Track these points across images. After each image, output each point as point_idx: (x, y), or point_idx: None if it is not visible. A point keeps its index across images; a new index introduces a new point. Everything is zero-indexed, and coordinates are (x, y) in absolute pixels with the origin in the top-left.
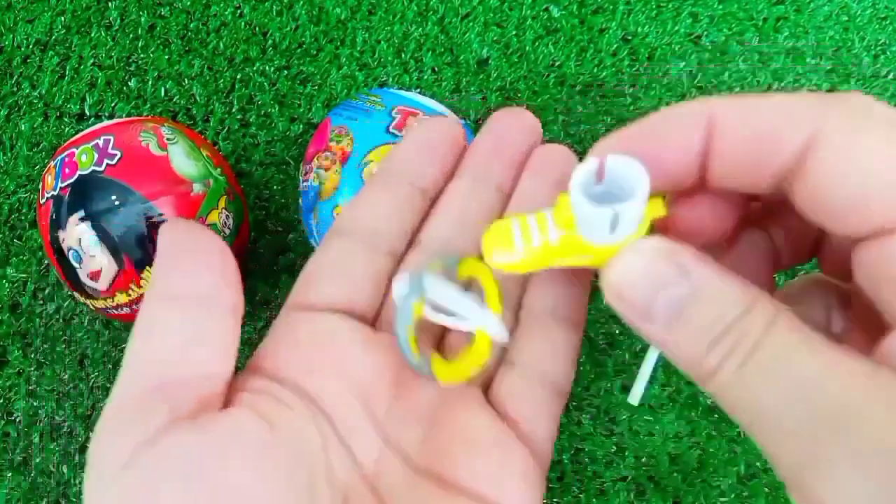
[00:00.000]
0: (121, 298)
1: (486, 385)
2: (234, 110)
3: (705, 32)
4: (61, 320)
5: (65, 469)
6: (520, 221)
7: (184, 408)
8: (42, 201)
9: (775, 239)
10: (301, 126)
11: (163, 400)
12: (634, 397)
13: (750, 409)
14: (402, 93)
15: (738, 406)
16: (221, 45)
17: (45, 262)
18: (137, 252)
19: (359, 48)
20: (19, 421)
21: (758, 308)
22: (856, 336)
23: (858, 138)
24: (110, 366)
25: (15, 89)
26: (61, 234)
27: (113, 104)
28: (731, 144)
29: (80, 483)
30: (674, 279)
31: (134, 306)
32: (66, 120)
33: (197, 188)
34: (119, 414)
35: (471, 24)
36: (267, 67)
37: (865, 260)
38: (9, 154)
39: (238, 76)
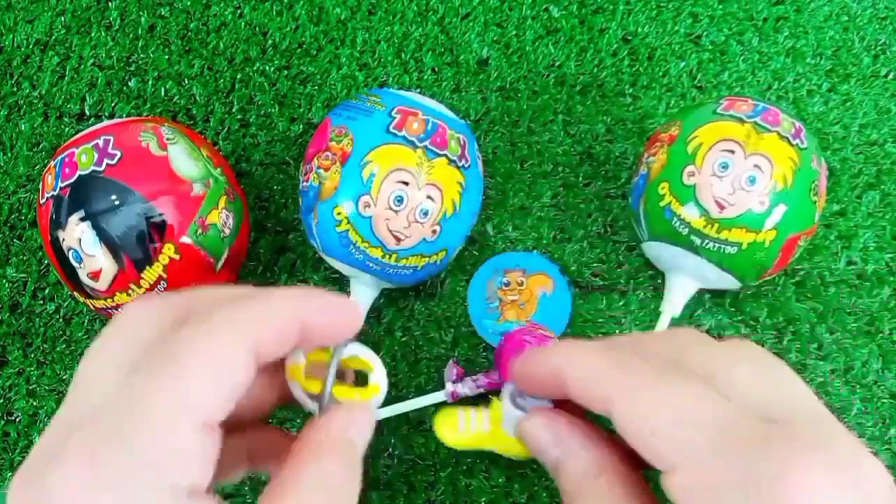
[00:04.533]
0: (121, 298)
1: None
2: (234, 110)
3: (705, 32)
4: (61, 320)
5: None
6: (465, 413)
7: None
8: (42, 201)
9: None
10: (301, 126)
11: None
12: None
13: None
14: (402, 93)
15: None
16: (221, 45)
17: (45, 262)
18: (137, 252)
19: (359, 48)
20: (19, 421)
21: (605, 474)
22: None
23: (638, 404)
24: None
25: (15, 89)
26: (61, 234)
27: (113, 104)
28: (572, 390)
29: None
30: (552, 443)
31: None
32: (66, 120)
33: (197, 188)
34: None
35: (471, 24)
36: (267, 67)
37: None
38: (9, 154)
39: (238, 76)
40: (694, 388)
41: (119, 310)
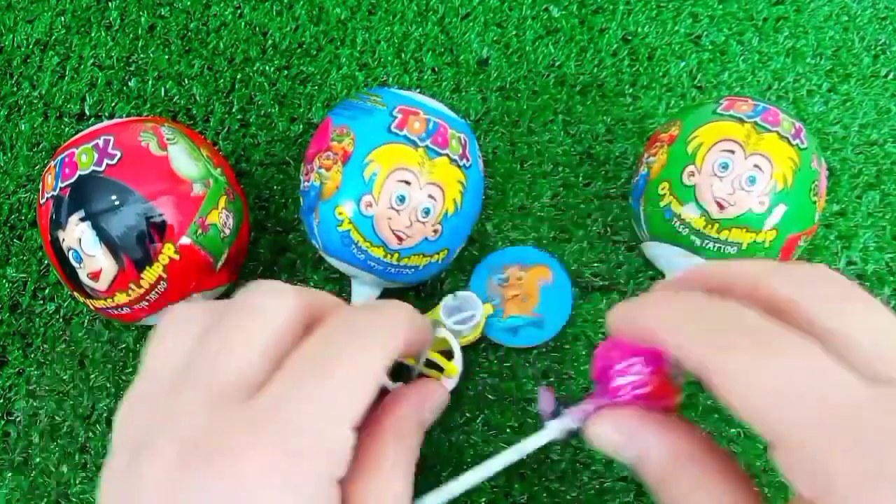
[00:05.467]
0: (121, 298)
1: None
2: (234, 110)
3: (705, 32)
4: (61, 320)
5: (65, 469)
6: None
7: None
8: (42, 201)
9: None
10: (301, 126)
11: None
12: None
13: None
14: (403, 92)
15: None
16: (221, 45)
17: (45, 262)
18: (137, 252)
19: (359, 48)
20: (19, 421)
21: (693, 459)
22: None
23: (735, 375)
24: (110, 366)
25: (15, 89)
26: (61, 234)
27: (113, 104)
28: (668, 351)
29: (79, 483)
30: (627, 443)
31: (134, 306)
32: (66, 120)
33: (197, 188)
34: None
35: (471, 24)
36: (267, 67)
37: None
38: (9, 154)
39: (238, 76)
40: (792, 349)
41: (118, 310)
